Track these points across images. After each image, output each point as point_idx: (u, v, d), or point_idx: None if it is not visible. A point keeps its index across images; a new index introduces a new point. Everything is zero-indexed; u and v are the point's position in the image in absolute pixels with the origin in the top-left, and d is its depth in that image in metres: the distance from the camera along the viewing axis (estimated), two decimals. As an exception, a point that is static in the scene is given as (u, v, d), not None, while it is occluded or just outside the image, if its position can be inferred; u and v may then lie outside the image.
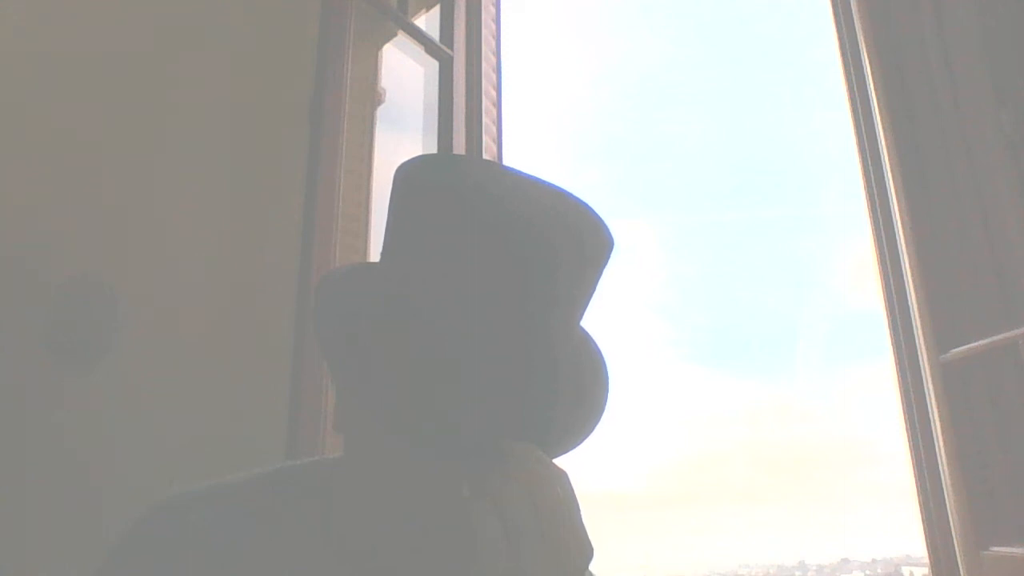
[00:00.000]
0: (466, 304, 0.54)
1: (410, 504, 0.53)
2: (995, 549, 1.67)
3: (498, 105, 2.07)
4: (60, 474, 1.42)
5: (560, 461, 0.62)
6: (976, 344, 1.74)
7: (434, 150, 1.93)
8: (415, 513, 0.53)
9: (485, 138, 1.98)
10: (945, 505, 1.80)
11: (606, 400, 0.62)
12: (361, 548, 0.56)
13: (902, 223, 1.95)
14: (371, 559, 0.55)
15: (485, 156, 1.95)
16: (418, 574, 0.52)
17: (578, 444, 0.61)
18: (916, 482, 1.89)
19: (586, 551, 0.54)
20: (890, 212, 2.02)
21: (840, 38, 2.26)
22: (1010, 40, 1.85)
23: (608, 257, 0.60)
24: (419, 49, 2.00)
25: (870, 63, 2.10)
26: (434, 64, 2.00)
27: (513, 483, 0.51)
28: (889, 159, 2.00)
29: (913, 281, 1.91)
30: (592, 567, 0.64)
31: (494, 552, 0.48)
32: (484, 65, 2.04)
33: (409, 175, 0.60)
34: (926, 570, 1.93)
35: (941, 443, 1.80)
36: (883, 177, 2.04)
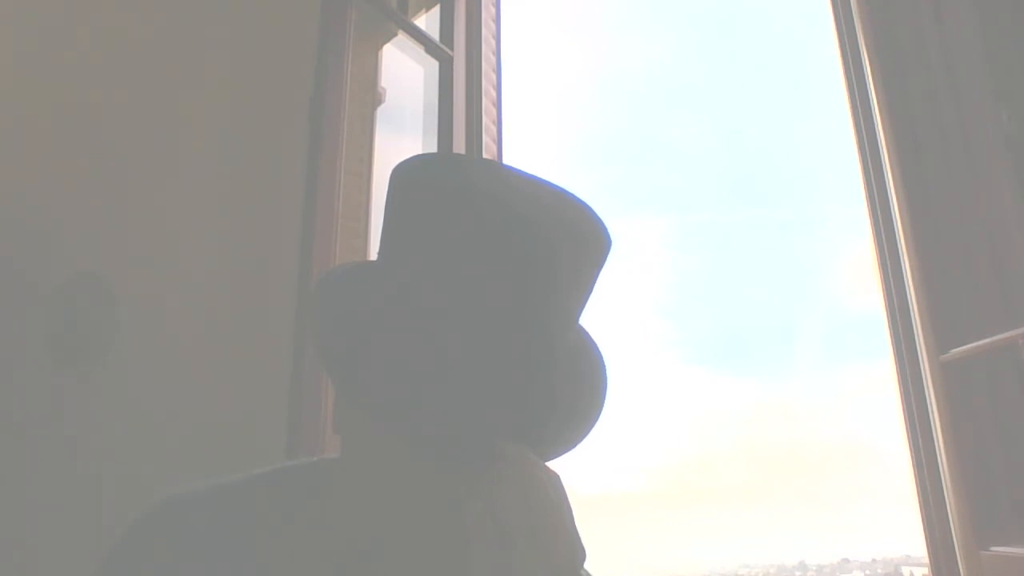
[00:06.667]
0: (465, 304, 0.54)
1: (405, 505, 0.53)
2: (995, 549, 1.67)
3: (498, 105, 2.07)
4: (60, 474, 1.42)
5: (561, 461, 0.62)
6: (976, 344, 1.74)
7: (434, 150, 1.93)
8: (410, 514, 0.53)
9: (485, 138, 1.98)
10: (945, 505, 1.79)
11: (603, 404, 0.61)
12: (356, 548, 0.56)
13: (902, 223, 1.95)
14: (366, 560, 0.55)
15: (485, 156, 1.95)
16: (412, 574, 0.52)
17: (573, 447, 0.61)
18: (916, 482, 1.89)
19: (578, 553, 0.54)
20: (890, 212, 2.02)
21: (840, 38, 2.26)
22: (1010, 40, 1.85)
23: (606, 257, 0.60)
24: (419, 49, 2.00)
25: (870, 63, 2.09)
26: (434, 64, 2.00)
27: (507, 485, 0.51)
28: (889, 159, 2.00)
29: (913, 281, 1.91)
30: (592, 568, 0.64)
31: (487, 554, 0.48)
32: (484, 65, 2.04)
33: (408, 174, 0.60)
34: (926, 570, 1.93)
35: (941, 443, 1.80)
36: (883, 177, 2.04)
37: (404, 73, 2.06)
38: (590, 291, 0.61)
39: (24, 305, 1.56)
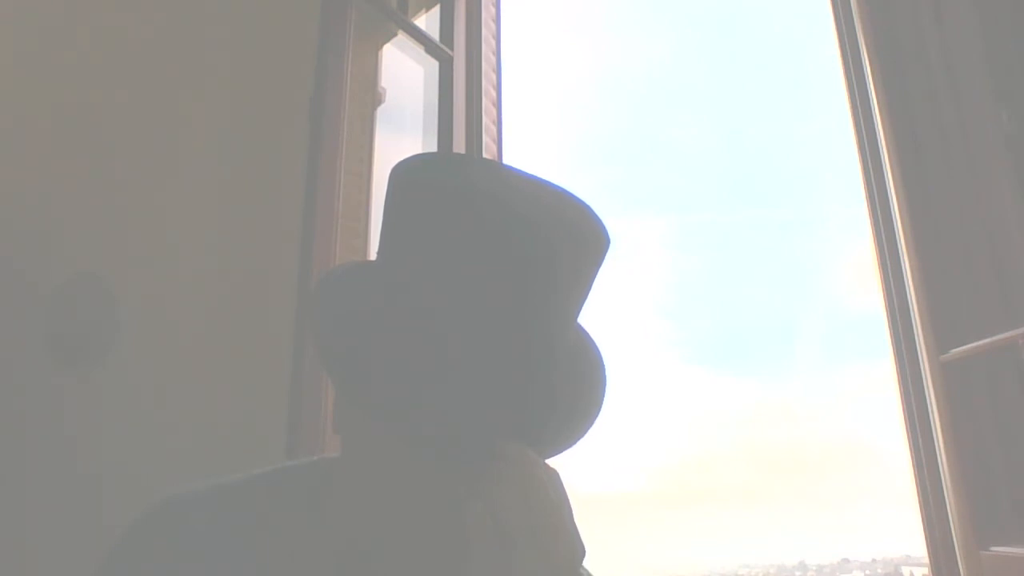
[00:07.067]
0: (464, 304, 0.54)
1: (405, 505, 0.53)
2: (995, 549, 1.67)
3: (498, 105, 2.07)
4: (60, 474, 1.42)
5: (561, 460, 0.62)
6: (976, 344, 1.74)
7: (434, 150, 1.93)
8: (410, 514, 0.53)
9: (485, 138, 1.98)
10: (945, 505, 1.79)
11: (602, 402, 0.62)
12: (356, 548, 0.56)
13: (902, 223, 1.95)
14: (366, 560, 0.55)
15: (485, 156, 1.95)
16: (412, 574, 0.52)
17: (572, 445, 0.61)
18: (916, 482, 1.89)
19: (578, 552, 0.54)
20: (890, 212, 2.02)
21: (840, 38, 2.26)
22: (1010, 40, 1.85)
23: (605, 256, 0.60)
24: (419, 49, 2.00)
25: (870, 63, 2.10)
26: (434, 64, 2.00)
27: (507, 485, 0.51)
28: (889, 159, 2.00)
29: (913, 281, 1.91)
30: (592, 568, 0.64)
31: (487, 554, 0.48)
32: (484, 65, 2.04)
33: (407, 174, 0.60)
34: (926, 570, 1.93)
35: (941, 443, 1.80)
36: (883, 177, 2.04)
37: (404, 73, 2.06)
38: (589, 290, 0.61)
39: (24, 305, 1.56)
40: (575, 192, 0.58)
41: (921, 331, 1.88)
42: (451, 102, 1.94)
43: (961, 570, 1.73)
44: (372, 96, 1.97)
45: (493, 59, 2.10)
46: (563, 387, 0.58)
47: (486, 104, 2.01)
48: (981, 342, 1.73)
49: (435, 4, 2.08)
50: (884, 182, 2.04)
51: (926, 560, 1.88)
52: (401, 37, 1.99)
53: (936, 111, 1.96)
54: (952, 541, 1.77)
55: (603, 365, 0.63)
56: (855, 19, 2.18)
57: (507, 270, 0.54)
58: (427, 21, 2.08)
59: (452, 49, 1.98)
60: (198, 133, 1.61)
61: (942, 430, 1.80)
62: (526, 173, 0.59)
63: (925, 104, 1.99)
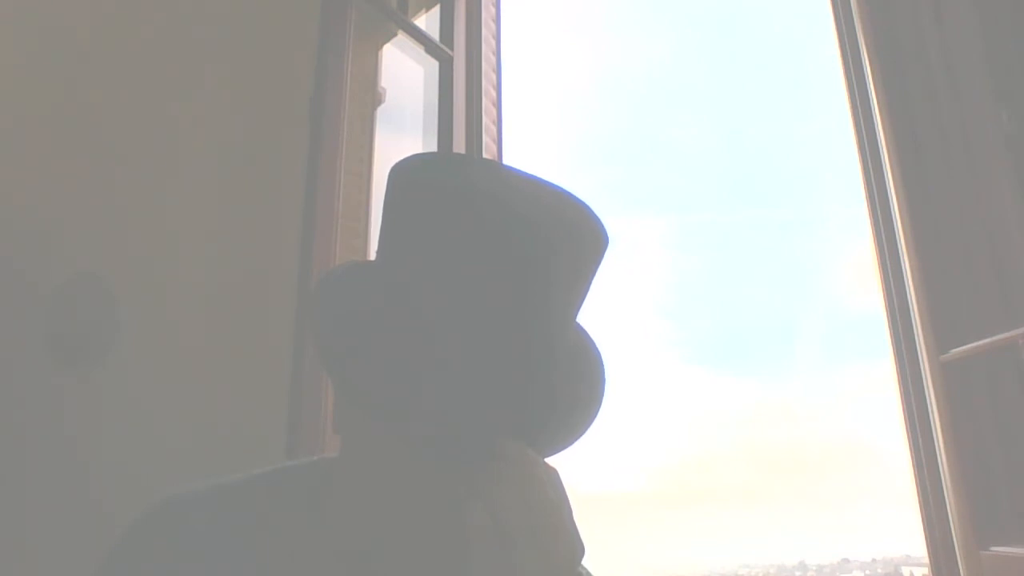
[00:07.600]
0: (464, 304, 0.54)
1: (404, 504, 0.53)
2: (995, 549, 1.67)
3: (498, 105, 2.07)
4: (60, 474, 1.42)
5: (560, 460, 0.62)
6: (976, 344, 1.74)
7: (434, 150, 1.93)
8: (410, 514, 0.53)
9: (485, 138, 1.98)
10: (945, 505, 1.80)
11: (601, 401, 0.62)
12: (356, 548, 0.56)
13: (902, 223, 1.95)
14: (366, 560, 0.55)
15: (485, 156, 1.95)
16: (412, 574, 0.52)
17: (572, 443, 0.61)
18: (916, 482, 1.89)
19: (577, 550, 0.54)
20: (890, 212, 2.02)
21: (840, 38, 2.26)
22: (1010, 40, 1.85)
23: (604, 255, 0.60)
24: (419, 49, 2.00)
25: (870, 63, 2.10)
26: (434, 64, 2.00)
27: (506, 483, 0.51)
28: (889, 159, 2.00)
29: (913, 281, 1.91)
30: (592, 567, 0.65)
31: (487, 554, 0.48)
32: (484, 65, 2.04)
33: (407, 174, 0.60)
34: (926, 570, 1.93)
35: (941, 443, 1.80)
36: (883, 177, 2.04)
37: (404, 73, 2.07)
38: (588, 289, 0.61)
39: (24, 305, 1.56)
40: (575, 192, 0.58)
41: (921, 331, 1.88)
42: (451, 102, 1.94)
43: (961, 570, 1.73)
44: (372, 96, 1.97)
45: (493, 59, 2.10)
46: (563, 387, 0.58)
47: (486, 104, 2.01)
48: (981, 342, 1.73)
49: (435, 4, 2.08)
50: (884, 182, 2.04)
51: (926, 560, 1.88)
52: (401, 37, 1.99)
53: (936, 111, 1.97)
54: (952, 541, 1.77)
55: (603, 365, 0.63)
56: (855, 19, 2.18)
57: (507, 270, 0.54)
58: (427, 21, 2.08)
59: (452, 49, 1.99)
60: (198, 133, 1.61)
61: (942, 430, 1.80)
62: (526, 173, 0.59)
63: (925, 104, 1.99)
